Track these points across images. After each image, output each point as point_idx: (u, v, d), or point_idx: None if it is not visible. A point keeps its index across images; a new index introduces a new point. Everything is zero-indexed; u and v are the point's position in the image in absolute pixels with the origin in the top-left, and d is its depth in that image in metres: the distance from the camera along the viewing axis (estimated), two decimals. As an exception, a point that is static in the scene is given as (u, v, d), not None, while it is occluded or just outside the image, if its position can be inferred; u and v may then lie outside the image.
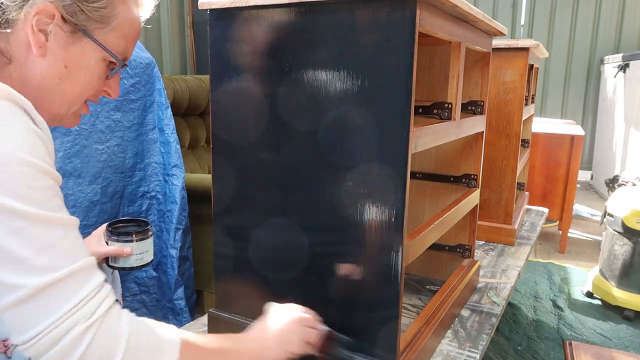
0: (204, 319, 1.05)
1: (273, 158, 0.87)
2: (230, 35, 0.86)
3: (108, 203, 1.39)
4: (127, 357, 0.57)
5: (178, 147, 1.54)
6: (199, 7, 0.87)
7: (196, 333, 0.69)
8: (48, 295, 0.54)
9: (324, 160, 0.81)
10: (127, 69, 1.42)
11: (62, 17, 0.65)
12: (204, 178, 1.66)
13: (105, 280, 0.63)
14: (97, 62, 0.71)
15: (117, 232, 1.00)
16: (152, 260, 1.05)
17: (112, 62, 0.72)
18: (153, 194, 1.53)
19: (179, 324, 1.55)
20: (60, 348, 0.54)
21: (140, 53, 1.49)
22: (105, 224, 1.02)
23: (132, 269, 1.02)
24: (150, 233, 1.03)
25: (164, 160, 1.53)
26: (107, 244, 0.99)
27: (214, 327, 0.99)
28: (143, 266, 1.03)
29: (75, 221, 0.60)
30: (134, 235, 1.00)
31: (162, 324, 0.65)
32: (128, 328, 0.59)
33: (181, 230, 1.53)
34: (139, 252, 1.01)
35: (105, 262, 1.00)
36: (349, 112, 0.78)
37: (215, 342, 0.70)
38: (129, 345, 0.58)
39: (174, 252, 1.53)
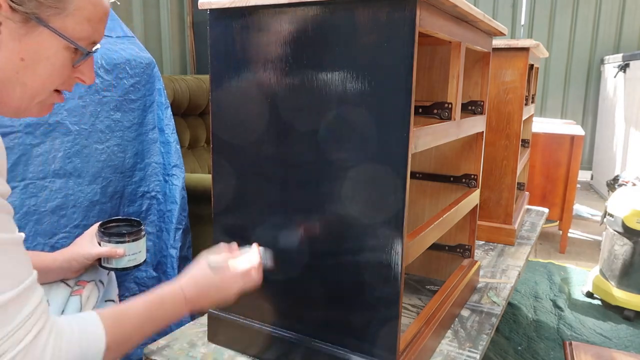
0: (204, 319, 1.05)
1: (273, 158, 0.87)
2: (230, 35, 0.86)
3: (108, 203, 1.39)
4: None
5: (178, 147, 1.54)
6: (199, 7, 0.87)
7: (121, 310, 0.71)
8: None
9: (324, 160, 0.81)
10: (127, 69, 1.42)
11: (10, 7, 0.59)
12: (204, 178, 1.66)
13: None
14: (58, 51, 0.64)
15: (109, 232, 0.99)
16: (145, 260, 1.05)
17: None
18: (153, 194, 1.53)
19: (179, 324, 1.55)
20: None
21: (140, 53, 1.49)
22: (98, 224, 1.01)
23: (125, 269, 1.01)
24: (143, 233, 1.02)
25: (164, 160, 1.53)
26: (100, 244, 0.98)
27: (214, 327, 0.99)
28: (136, 266, 1.02)
29: (18, 237, 0.59)
30: (126, 236, 0.99)
31: (91, 323, 0.67)
32: (50, 356, 0.59)
33: (181, 230, 1.53)
34: (131, 252, 1.00)
35: (99, 262, 0.99)
36: (349, 112, 0.78)
37: (137, 321, 0.71)
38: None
39: (174, 252, 1.52)
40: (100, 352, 0.65)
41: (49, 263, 0.93)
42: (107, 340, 0.66)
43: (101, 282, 1.02)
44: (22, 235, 0.61)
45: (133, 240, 0.99)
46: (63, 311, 0.94)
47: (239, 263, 0.83)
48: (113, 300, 1.06)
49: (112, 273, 1.07)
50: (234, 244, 0.87)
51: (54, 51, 0.64)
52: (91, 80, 0.71)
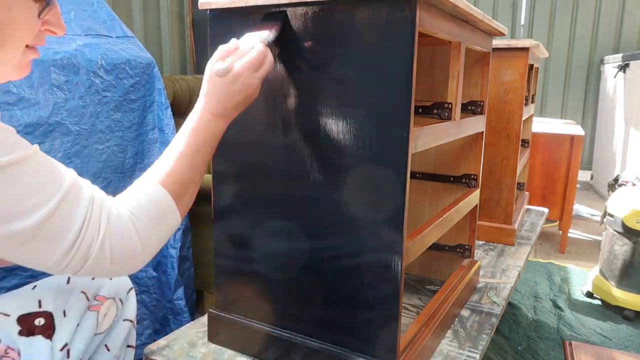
0: (204, 319, 1.05)
1: (273, 158, 0.87)
2: (230, 35, 0.86)
3: (108, 203, 1.40)
4: (145, 242, 0.66)
5: (178, 147, 1.54)
6: (199, 7, 0.87)
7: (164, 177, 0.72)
8: (51, 227, 0.59)
9: (324, 160, 0.81)
10: (127, 69, 1.42)
11: None
12: (204, 178, 1.66)
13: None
14: (19, 3, 0.61)
15: None
16: None
17: None
18: (153, 194, 1.53)
19: (179, 323, 1.55)
20: (90, 263, 0.62)
21: (140, 53, 1.49)
22: None
23: None
24: None
25: (164, 160, 1.53)
26: None
27: (214, 327, 0.99)
28: None
29: (35, 147, 0.61)
30: None
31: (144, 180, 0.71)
32: (130, 221, 0.66)
33: (181, 230, 1.53)
34: None
35: None
36: (349, 111, 0.78)
37: (185, 158, 0.73)
38: (140, 234, 0.66)
39: (174, 252, 1.52)
40: (172, 205, 0.70)
41: None
42: (169, 192, 0.70)
43: (120, 300, 1.01)
44: (37, 146, 0.62)
45: None
46: (78, 325, 0.93)
47: (245, 59, 0.75)
48: (131, 321, 1.04)
49: (132, 292, 1.05)
50: (233, 41, 0.79)
51: (15, 3, 0.60)
52: (62, 30, 0.68)
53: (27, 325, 0.88)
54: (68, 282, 0.95)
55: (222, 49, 0.77)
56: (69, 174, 0.62)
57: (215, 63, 0.75)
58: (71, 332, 0.92)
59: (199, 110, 0.76)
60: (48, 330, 0.89)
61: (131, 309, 1.05)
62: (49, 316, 0.90)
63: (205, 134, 0.75)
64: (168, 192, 0.70)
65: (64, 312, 0.92)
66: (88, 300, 0.96)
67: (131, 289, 1.05)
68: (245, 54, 0.75)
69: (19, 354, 0.85)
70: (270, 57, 0.77)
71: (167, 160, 0.73)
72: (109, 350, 1.00)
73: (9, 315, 0.87)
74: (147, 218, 0.68)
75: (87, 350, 0.95)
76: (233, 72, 0.74)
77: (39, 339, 0.87)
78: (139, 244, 0.66)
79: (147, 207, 0.68)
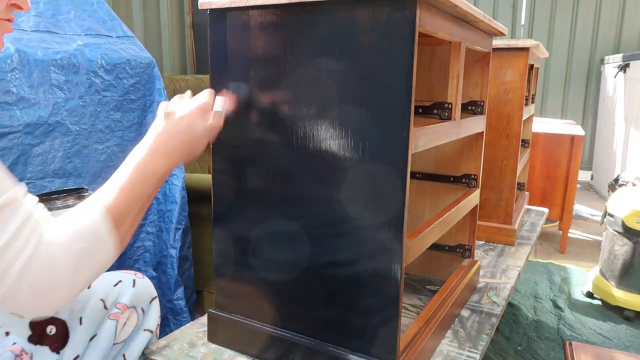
0: (204, 319, 1.05)
1: (273, 158, 0.87)
2: (231, 35, 0.86)
3: (108, 203, 1.40)
4: (72, 274, 0.61)
5: (178, 147, 1.54)
6: (199, 7, 0.87)
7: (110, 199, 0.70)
8: None
9: (324, 160, 0.81)
10: (127, 69, 1.42)
11: None
12: (204, 178, 1.66)
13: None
14: None
15: (41, 200, 0.83)
16: None
17: None
18: (153, 194, 1.53)
19: (179, 323, 1.55)
20: (5, 288, 0.56)
21: (140, 53, 1.49)
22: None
23: None
24: (77, 201, 0.87)
25: (164, 160, 1.53)
26: None
27: (214, 327, 0.99)
28: None
29: None
30: (49, 203, 0.84)
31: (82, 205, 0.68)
32: (61, 250, 0.60)
33: (181, 230, 1.53)
34: None
35: None
36: (349, 112, 0.78)
37: (127, 188, 0.71)
38: (69, 264, 0.61)
39: (173, 252, 1.53)
40: (107, 238, 0.66)
41: None
42: (107, 224, 0.66)
43: (142, 309, 0.98)
44: None
45: (64, 208, 0.86)
46: (96, 335, 0.90)
47: (192, 104, 0.81)
48: (151, 331, 1.00)
49: (156, 302, 1.02)
50: (188, 92, 0.85)
51: None
52: (27, 6, 0.67)
53: (38, 332, 0.85)
54: (89, 287, 0.91)
55: (176, 96, 0.83)
56: (13, 189, 0.59)
57: (165, 105, 0.81)
58: (85, 342, 0.89)
59: (142, 147, 0.78)
60: (57, 342, 0.86)
61: (153, 318, 1.01)
62: (61, 325, 0.87)
63: (145, 169, 0.75)
64: (106, 225, 0.67)
65: (80, 320, 0.89)
66: (106, 308, 0.92)
67: (155, 297, 1.01)
68: (194, 99, 0.82)
69: (31, 358, 0.82)
70: (220, 116, 0.83)
71: (108, 192, 0.71)
72: None
73: (23, 317, 0.84)
74: (81, 248, 0.63)
75: None
76: (178, 114, 0.79)
77: (45, 350, 0.84)
78: (64, 275, 0.61)
79: (82, 237, 0.64)
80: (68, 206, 0.88)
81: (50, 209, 0.84)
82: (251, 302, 0.94)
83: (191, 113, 0.79)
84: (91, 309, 0.91)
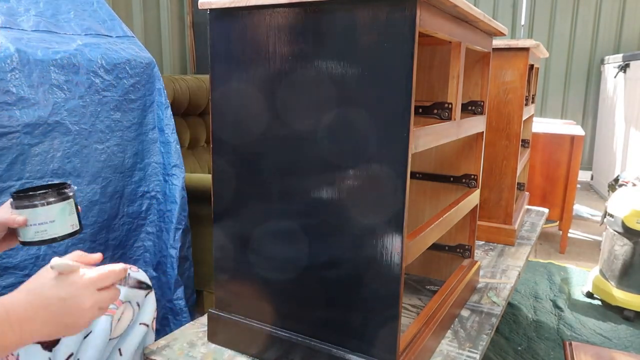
0: (204, 319, 1.05)
1: (273, 158, 0.87)
2: (231, 35, 0.86)
3: (107, 203, 1.39)
4: None
5: (178, 147, 1.54)
6: (199, 7, 0.87)
7: None
8: None
9: (324, 160, 0.81)
10: (127, 69, 1.42)
11: None
12: (204, 178, 1.66)
13: None
14: None
15: (19, 196, 0.80)
16: (69, 234, 0.83)
17: None
18: (153, 193, 1.53)
19: (179, 323, 1.55)
20: None
21: (140, 53, 1.49)
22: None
23: (32, 244, 0.81)
24: (57, 198, 0.82)
25: (164, 160, 1.53)
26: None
27: (214, 327, 0.99)
28: (52, 241, 0.82)
29: None
30: (28, 200, 0.79)
31: None
32: None
33: (181, 230, 1.53)
34: (37, 222, 0.79)
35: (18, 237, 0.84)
36: (349, 112, 0.78)
37: None
38: None
39: (173, 252, 1.52)
40: None
41: None
42: None
43: (137, 303, 0.97)
44: None
45: (39, 206, 0.79)
46: (91, 332, 0.89)
47: (95, 272, 0.66)
48: (147, 325, 0.99)
49: (151, 295, 1.00)
50: (97, 255, 0.71)
51: None
52: None
53: None
54: None
55: (79, 253, 0.70)
56: None
57: (60, 258, 0.65)
58: (78, 341, 0.87)
59: (3, 299, 0.61)
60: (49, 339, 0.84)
61: (148, 312, 0.99)
62: None
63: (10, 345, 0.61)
64: None
65: None
66: None
67: (150, 291, 1.00)
68: (99, 268, 0.67)
69: (17, 358, 0.81)
70: (114, 294, 0.69)
71: None
72: (121, 354, 0.96)
73: None
74: None
75: (100, 357, 0.90)
76: (72, 274, 0.63)
77: (37, 348, 0.82)
78: None
79: None
80: (49, 203, 0.81)
81: (27, 207, 0.80)
82: (251, 302, 0.94)
83: (89, 280, 0.64)
84: None
